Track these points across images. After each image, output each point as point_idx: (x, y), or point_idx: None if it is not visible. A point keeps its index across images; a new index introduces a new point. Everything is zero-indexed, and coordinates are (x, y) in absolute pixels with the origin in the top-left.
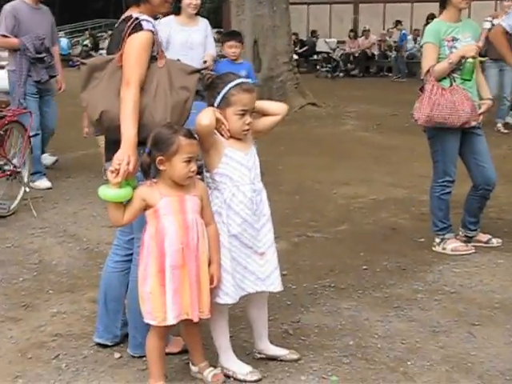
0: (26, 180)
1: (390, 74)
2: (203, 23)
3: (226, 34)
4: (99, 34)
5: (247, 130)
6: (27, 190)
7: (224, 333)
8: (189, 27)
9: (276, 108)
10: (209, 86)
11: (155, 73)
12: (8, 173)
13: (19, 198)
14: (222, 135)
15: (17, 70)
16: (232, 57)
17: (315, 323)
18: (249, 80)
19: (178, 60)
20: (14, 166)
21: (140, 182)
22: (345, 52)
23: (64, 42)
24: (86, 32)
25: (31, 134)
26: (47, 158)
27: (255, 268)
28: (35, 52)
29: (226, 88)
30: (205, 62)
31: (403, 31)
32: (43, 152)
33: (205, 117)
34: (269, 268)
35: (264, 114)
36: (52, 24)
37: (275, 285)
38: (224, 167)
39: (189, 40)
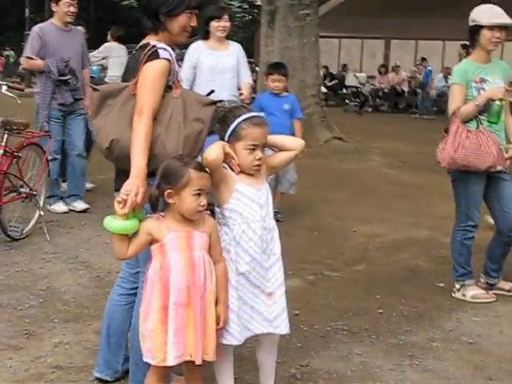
0: (41, 204)
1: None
2: (235, 48)
3: (270, 66)
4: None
5: (258, 165)
6: (42, 213)
7: (228, 375)
8: (219, 51)
9: (291, 144)
10: (221, 119)
11: (170, 103)
12: (24, 195)
13: (33, 221)
14: (233, 170)
15: (42, 92)
16: (275, 91)
17: (325, 368)
18: (261, 114)
19: (213, 91)
20: (30, 189)
21: (147, 215)
22: (374, 87)
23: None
24: None
25: (49, 157)
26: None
27: (262, 308)
28: (58, 74)
29: (236, 122)
30: (241, 94)
31: (428, 68)
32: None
33: (212, 151)
34: (276, 309)
35: (280, 149)
36: (83, 46)
37: (282, 327)
38: (235, 203)
39: (218, 65)
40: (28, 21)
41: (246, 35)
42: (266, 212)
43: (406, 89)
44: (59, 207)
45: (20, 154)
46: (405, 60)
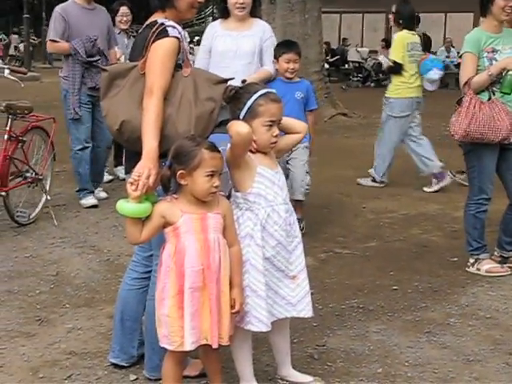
0: (47, 188)
1: None
2: (259, 28)
3: (281, 44)
4: None
5: (275, 142)
6: (49, 197)
7: (247, 360)
8: (237, 32)
9: (298, 126)
10: (232, 97)
11: (180, 82)
12: (30, 180)
13: (40, 206)
14: (249, 149)
15: (70, 77)
16: (289, 74)
17: (342, 347)
18: (274, 90)
19: None
20: (36, 174)
21: (160, 198)
22: (377, 61)
23: None
24: None
25: (79, 146)
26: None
27: (286, 292)
28: (86, 55)
29: (253, 98)
30: (243, 81)
31: None
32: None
33: (241, 125)
34: (300, 292)
35: (287, 132)
36: (108, 25)
37: (306, 310)
38: (258, 186)
39: (233, 48)
40: (26, 4)
41: None
42: (286, 194)
43: None
44: (88, 201)
45: (25, 139)
46: None
